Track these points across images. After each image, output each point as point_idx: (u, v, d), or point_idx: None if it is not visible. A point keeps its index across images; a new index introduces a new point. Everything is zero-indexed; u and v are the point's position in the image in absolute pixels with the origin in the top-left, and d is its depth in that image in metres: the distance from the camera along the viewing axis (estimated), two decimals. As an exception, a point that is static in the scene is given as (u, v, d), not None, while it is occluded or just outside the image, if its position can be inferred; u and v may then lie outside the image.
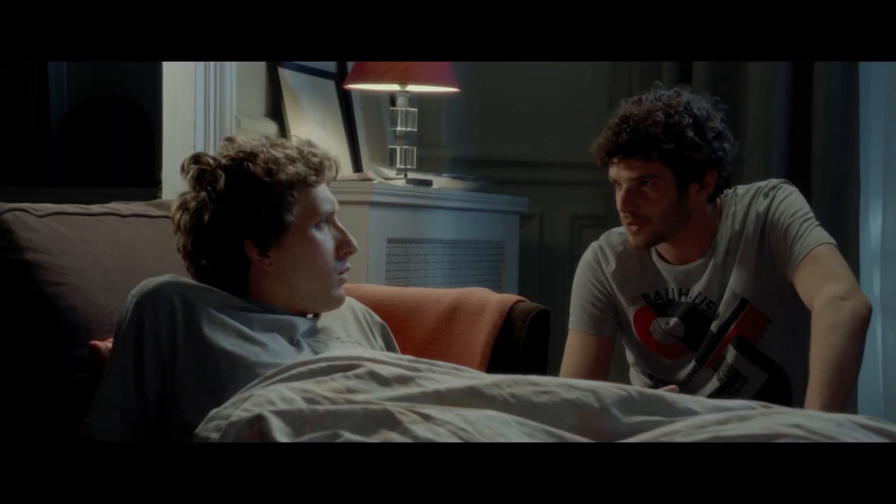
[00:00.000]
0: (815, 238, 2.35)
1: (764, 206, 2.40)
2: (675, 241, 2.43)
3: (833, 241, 2.37)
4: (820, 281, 2.30)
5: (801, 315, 2.43)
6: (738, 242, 2.42)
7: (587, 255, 2.55)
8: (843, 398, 2.19)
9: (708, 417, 1.59)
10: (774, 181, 2.46)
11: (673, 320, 2.46)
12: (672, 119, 2.32)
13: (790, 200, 2.41)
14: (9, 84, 4.81)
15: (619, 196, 2.39)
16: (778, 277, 2.39)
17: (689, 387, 2.45)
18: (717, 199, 2.46)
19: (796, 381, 2.45)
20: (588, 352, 2.51)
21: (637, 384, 2.54)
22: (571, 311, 2.55)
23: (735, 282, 2.41)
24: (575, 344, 2.53)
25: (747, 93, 3.49)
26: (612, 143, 2.35)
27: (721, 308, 2.42)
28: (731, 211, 2.44)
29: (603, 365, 2.50)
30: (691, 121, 2.33)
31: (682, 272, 2.45)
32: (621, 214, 2.40)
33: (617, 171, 2.37)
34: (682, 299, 2.45)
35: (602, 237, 2.55)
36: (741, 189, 2.48)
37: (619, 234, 2.52)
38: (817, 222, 2.39)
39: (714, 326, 2.43)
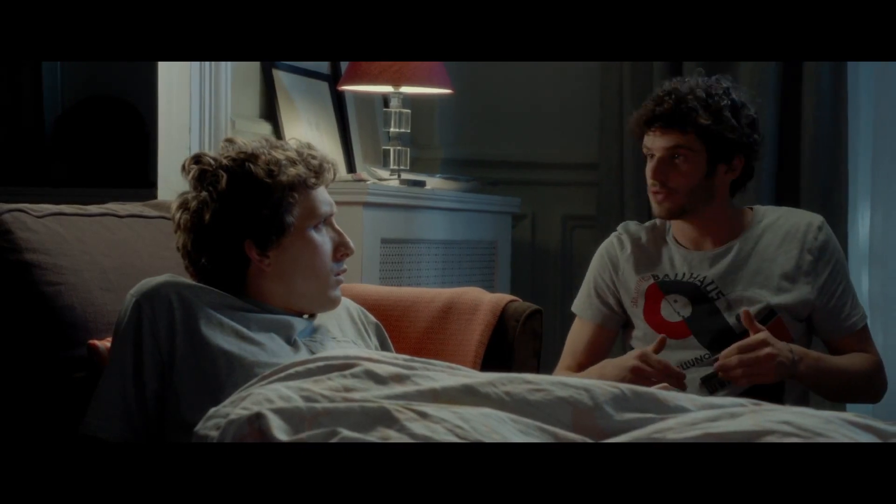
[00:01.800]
0: (863, 310, 2.53)
1: (830, 245, 2.49)
2: (694, 221, 2.50)
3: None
4: (869, 349, 2.53)
5: (809, 339, 2.55)
6: (780, 256, 2.47)
7: (603, 244, 2.62)
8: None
9: (699, 415, 1.62)
10: (820, 219, 2.53)
11: (681, 298, 2.50)
12: (713, 98, 2.43)
13: (843, 254, 2.54)
14: (3, 85, 4.82)
15: (649, 166, 2.47)
16: (810, 304, 2.47)
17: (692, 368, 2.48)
18: (750, 209, 2.56)
19: (790, 389, 2.48)
20: (584, 336, 2.60)
21: None
22: (583, 299, 2.62)
23: (769, 293, 2.46)
24: (575, 328, 2.61)
25: (737, 94, 3.51)
26: (652, 111, 2.44)
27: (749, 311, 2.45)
28: (771, 220, 2.52)
29: (598, 351, 2.59)
30: (729, 103, 2.44)
31: (695, 257, 2.50)
32: (650, 182, 2.48)
33: (652, 140, 2.46)
34: (691, 279, 2.50)
35: (620, 226, 2.63)
36: (782, 209, 2.57)
37: (637, 224, 2.62)
38: None
39: (737, 328, 2.46)
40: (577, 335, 2.61)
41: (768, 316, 2.45)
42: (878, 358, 2.52)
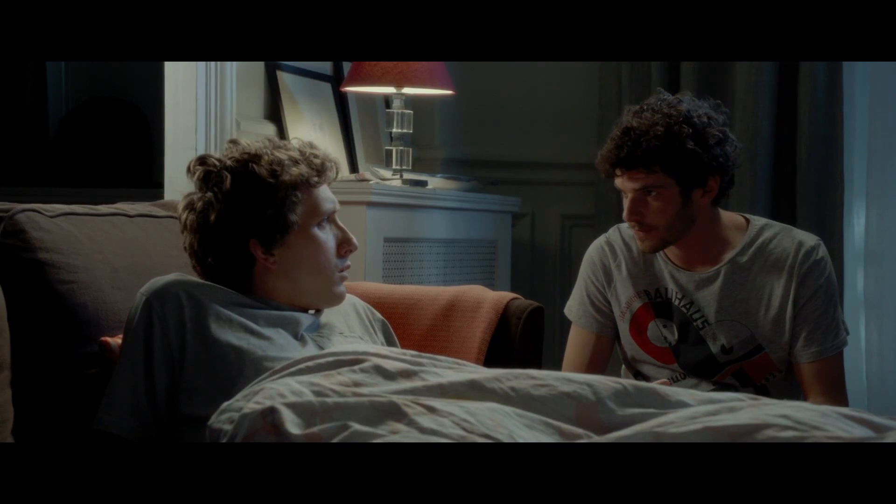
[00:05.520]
0: (841, 339, 2.46)
1: (817, 270, 2.43)
2: (681, 244, 2.45)
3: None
4: (828, 389, 2.43)
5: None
6: (768, 285, 2.44)
7: (595, 249, 2.57)
8: None
9: (699, 409, 1.64)
10: (814, 241, 2.47)
11: (670, 324, 2.49)
12: (672, 130, 2.34)
13: (833, 278, 2.46)
14: (7, 85, 4.84)
15: (624, 205, 2.42)
16: (792, 331, 2.44)
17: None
18: (745, 219, 2.50)
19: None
20: (587, 348, 2.56)
21: None
22: (576, 306, 2.59)
23: (756, 326, 2.44)
24: (576, 339, 2.59)
25: (734, 93, 3.52)
26: (615, 156, 2.37)
27: (734, 344, 2.45)
28: (764, 241, 2.46)
29: (601, 361, 2.57)
30: (691, 131, 2.35)
31: (684, 276, 2.47)
32: (627, 223, 2.44)
33: (622, 182, 2.40)
34: (679, 304, 2.48)
35: (611, 231, 2.58)
36: (778, 226, 2.50)
37: (628, 228, 2.54)
38: None
39: (721, 357, 2.46)
40: (577, 345, 2.58)
41: (755, 350, 2.45)
42: (846, 400, 2.42)
